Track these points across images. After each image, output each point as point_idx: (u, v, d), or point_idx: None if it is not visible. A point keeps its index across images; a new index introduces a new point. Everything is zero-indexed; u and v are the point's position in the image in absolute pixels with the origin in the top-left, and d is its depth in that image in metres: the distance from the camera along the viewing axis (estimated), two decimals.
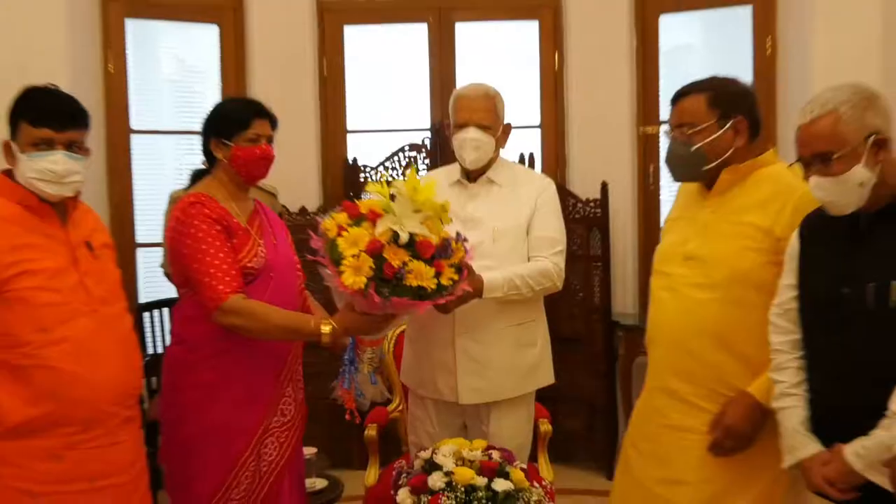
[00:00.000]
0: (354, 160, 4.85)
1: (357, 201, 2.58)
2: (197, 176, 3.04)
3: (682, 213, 2.66)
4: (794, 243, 2.24)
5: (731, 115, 2.45)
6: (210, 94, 4.94)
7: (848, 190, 2.02)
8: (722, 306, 2.40)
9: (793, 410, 2.19)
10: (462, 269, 2.60)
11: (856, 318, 2.05)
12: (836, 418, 2.09)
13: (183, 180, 4.74)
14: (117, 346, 2.33)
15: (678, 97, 2.55)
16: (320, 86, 4.95)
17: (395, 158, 4.85)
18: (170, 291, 4.40)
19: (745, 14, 4.75)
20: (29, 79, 3.81)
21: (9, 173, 2.27)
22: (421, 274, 2.43)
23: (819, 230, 2.21)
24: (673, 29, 5.01)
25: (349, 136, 5.07)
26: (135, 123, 4.67)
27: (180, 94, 5.07)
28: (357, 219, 2.49)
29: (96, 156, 4.24)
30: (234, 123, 2.66)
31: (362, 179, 4.83)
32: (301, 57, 4.86)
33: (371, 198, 2.55)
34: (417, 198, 2.49)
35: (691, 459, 2.46)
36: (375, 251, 2.40)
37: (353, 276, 2.40)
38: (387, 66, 5.31)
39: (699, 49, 5.18)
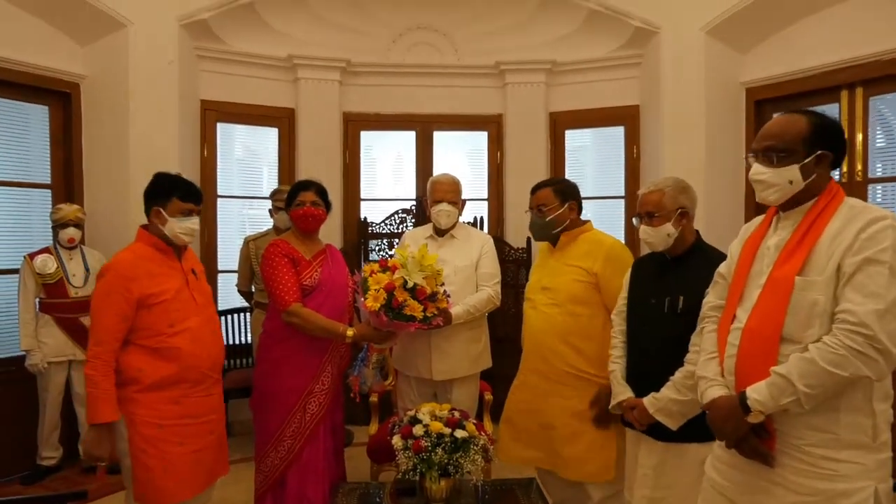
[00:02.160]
0: (365, 219, 4.81)
1: (387, 258, 2.71)
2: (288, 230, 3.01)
3: (539, 264, 2.75)
4: (628, 273, 2.34)
5: (567, 199, 2.59)
6: (270, 174, 4.88)
7: (660, 237, 2.17)
8: (563, 316, 2.51)
9: (617, 372, 2.28)
10: (443, 310, 2.69)
11: (656, 318, 2.16)
12: (641, 377, 2.19)
13: (247, 229, 4.78)
14: (213, 335, 2.41)
15: (536, 189, 2.66)
16: (343, 170, 4.88)
17: (392, 218, 4.78)
18: (239, 301, 4.46)
19: (620, 131, 4.75)
20: (155, 161, 3.90)
21: (145, 226, 2.35)
22: (414, 308, 2.54)
23: (643, 265, 2.33)
24: (574, 138, 4.95)
25: (362, 203, 5.00)
26: (219, 191, 4.63)
27: (248, 173, 4.97)
28: (383, 268, 2.59)
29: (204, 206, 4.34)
30: (290, 196, 2.74)
31: (369, 231, 4.76)
32: (332, 150, 4.80)
33: (395, 257, 2.63)
34: (423, 262, 2.59)
35: (554, 411, 2.53)
36: (389, 289, 2.52)
37: (373, 301, 2.51)
38: (388, 157, 5.23)
39: (591, 152, 5.08)
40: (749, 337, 1.56)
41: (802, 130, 1.57)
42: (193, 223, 2.33)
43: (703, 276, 1.94)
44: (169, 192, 2.31)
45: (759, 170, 1.62)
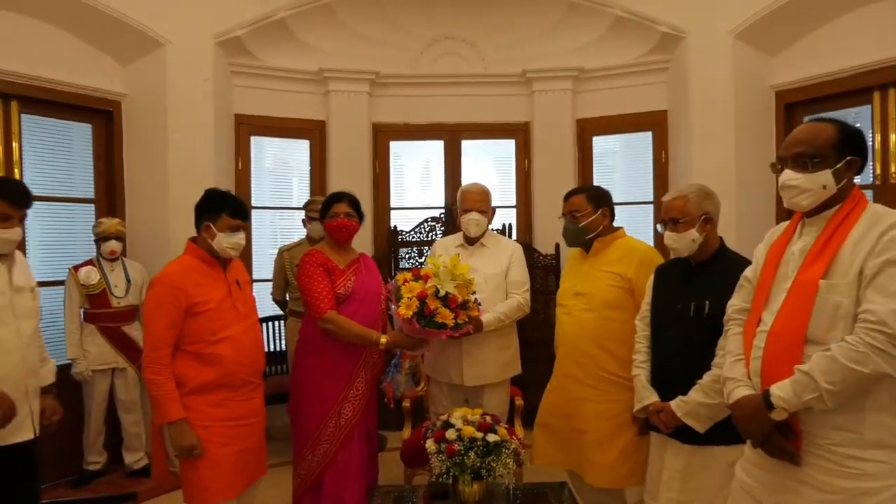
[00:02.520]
0: (395, 227, 4.87)
1: (419, 267, 2.78)
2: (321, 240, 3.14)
3: (570, 269, 2.78)
4: (651, 279, 2.38)
5: (601, 206, 2.63)
6: (301, 184, 4.98)
7: (685, 242, 2.20)
8: (597, 321, 2.55)
9: (642, 376, 2.30)
10: (473, 318, 2.73)
11: (682, 323, 2.18)
12: (666, 381, 2.21)
13: (278, 239, 4.86)
14: (253, 343, 2.49)
15: (569, 196, 2.71)
16: (373, 179, 4.95)
17: (421, 227, 4.86)
18: (273, 309, 4.57)
19: (648, 136, 4.76)
20: (193, 175, 4.07)
21: (193, 239, 2.46)
22: (445, 316, 2.59)
23: (666, 272, 2.37)
24: (602, 145, 4.97)
25: (392, 212, 5.06)
26: (253, 202, 4.70)
27: (280, 184, 5.06)
28: (416, 277, 2.64)
29: None
30: (324, 208, 2.83)
31: (399, 240, 4.83)
32: (362, 160, 4.88)
33: (428, 266, 2.69)
34: (455, 271, 2.65)
35: (587, 416, 2.56)
36: (422, 297, 2.57)
37: (406, 309, 2.56)
38: (416, 166, 5.31)
39: (619, 158, 5.08)
40: (774, 339, 1.59)
41: (832, 137, 1.62)
42: (240, 238, 2.44)
43: (729, 281, 1.97)
44: (220, 208, 2.42)
45: (791, 175, 1.65)
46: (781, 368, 1.55)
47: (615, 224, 2.75)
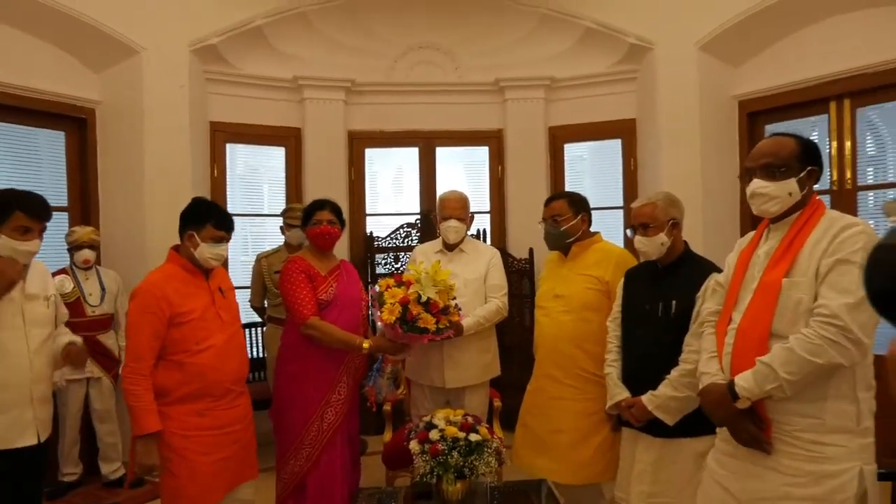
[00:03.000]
0: (371, 233, 4.93)
1: (399, 273, 2.83)
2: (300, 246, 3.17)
3: (549, 273, 2.88)
4: (622, 283, 2.50)
5: (580, 211, 2.75)
6: (276, 191, 4.98)
7: (655, 246, 2.33)
8: (575, 322, 2.65)
9: (613, 374, 2.43)
10: (454, 322, 2.80)
11: (651, 322, 2.31)
12: (637, 378, 2.34)
13: (249, 246, 4.87)
14: (236, 351, 2.52)
15: (550, 200, 2.82)
16: (349, 186, 5.01)
17: (397, 233, 4.92)
18: (249, 317, 4.54)
19: (617, 144, 4.90)
20: (170, 180, 4.08)
21: (175, 247, 2.47)
22: (427, 321, 2.66)
23: (635, 275, 2.50)
24: (573, 152, 5.10)
25: (367, 218, 5.12)
26: (229, 209, 4.69)
27: (252, 191, 5.07)
28: (398, 283, 2.71)
29: None
30: (307, 215, 2.87)
31: (375, 245, 4.88)
32: (338, 167, 4.94)
33: (410, 272, 2.76)
34: (437, 277, 2.72)
35: (565, 416, 2.66)
36: (404, 303, 2.63)
37: (389, 314, 2.63)
38: (391, 173, 5.38)
39: (589, 164, 5.23)
40: (742, 335, 1.73)
41: (795, 149, 1.79)
42: (223, 249, 2.46)
43: (694, 282, 2.14)
44: (205, 218, 2.44)
45: (761, 184, 1.80)
46: (749, 361, 1.68)
47: (591, 229, 2.86)
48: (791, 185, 1.76)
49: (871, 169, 4.07)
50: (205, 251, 2.43)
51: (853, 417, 1.62)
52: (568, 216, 2.75)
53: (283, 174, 4.99)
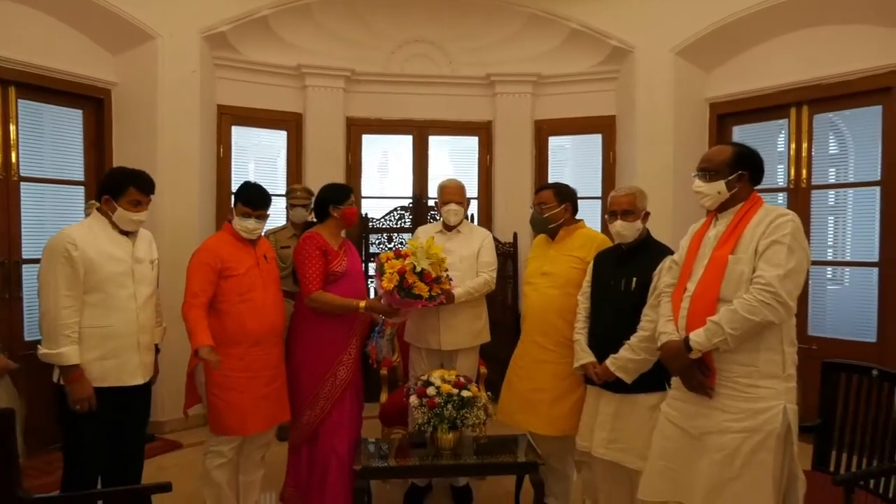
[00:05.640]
0: (366, 214, 5.21)
1: (400, 248, 3.15)
2: (309, 225, 3.53)
3: (537, 254, 3.21)
4: (592, 263, 2.89)
5: (564, 202, 3.10)
6: (279, 172, 5.28)
7: (633, 230, 2.73)
8: (561, 297, 3.00)
9: (581, 340, 2.82)
10: (446, 290, 3.12)
11: (615, 296, 2.71)
12: (603, 342, 2.73)
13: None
14: (273, 306, 2.94)
15: (540, 190, 3.18)
16: (347, 170, 5.29)
17: (391, 215, 5.26)
18: None
19: (598, 138, 5.29)
20: (180, 158, 4.38)
21: (229, 220, 2.93)
22: (421, 289, 2.99)
23: (603, 257, 2.89)
24: (557, 144, 5.46)
25: (363, 200, 5.40)
26: (233, 189, 4.85)
27: (259, 170, 5.32)
28: (397, 256, 3.04)
29: (217, 201, 4.75)
30: (344, 196, 3.17)
31: (370, 226, 5.20)
32: (336, 152, 5.22)
33: (407, 246, 3.10)
34: (430, 251, 3.05)
35: (547, 377, 3.01)
36: (401, 273, 2.97)
37: (388, 282, 2.97)
38: (387, 158, 5.73)
39: (571, 156, 5.58)
40: (695, 301, 2.14)
41: (728, 157, 2.20)
42: (250, 223, 2.89)
43: (652, 263, 2.56)
44: (238, 197, 2.93)
45: (697, 184, 2.25)
46: (701, 322, 2.09)
47: (577, 217, 3.21)
48: (720, 185, 2.17)
49: (832, 169, 4.49)
50: (237, 224, 2.88)
51: (780, 365, 2.04)
52: (552, 205, 3.09)
53: (284, 156, 5.28)
